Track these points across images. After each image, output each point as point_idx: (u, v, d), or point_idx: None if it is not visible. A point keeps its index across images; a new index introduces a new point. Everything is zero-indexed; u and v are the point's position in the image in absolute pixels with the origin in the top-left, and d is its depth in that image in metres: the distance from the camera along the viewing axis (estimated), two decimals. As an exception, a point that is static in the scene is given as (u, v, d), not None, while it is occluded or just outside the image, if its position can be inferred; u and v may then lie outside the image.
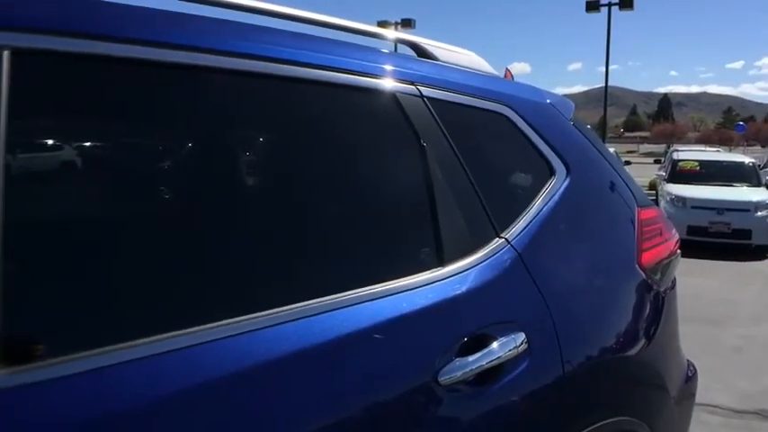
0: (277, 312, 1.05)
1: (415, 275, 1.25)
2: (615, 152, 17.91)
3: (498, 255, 1.38)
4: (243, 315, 1.01)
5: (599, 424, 1.47)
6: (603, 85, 27.29)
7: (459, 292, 1.27)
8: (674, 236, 2.01)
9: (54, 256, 0.92)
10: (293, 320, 1.05)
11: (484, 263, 1.34)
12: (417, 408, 1.16)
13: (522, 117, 1.64)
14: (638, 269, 1.73)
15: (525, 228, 1.47)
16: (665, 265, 1.89)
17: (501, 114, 1.61)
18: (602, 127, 32.94)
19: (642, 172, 18.88)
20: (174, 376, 0.91)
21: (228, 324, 0.99)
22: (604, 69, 26.32)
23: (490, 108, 1.59)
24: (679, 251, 2.00)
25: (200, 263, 1.07)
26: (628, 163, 18.67)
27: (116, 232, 1.01)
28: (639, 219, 1.83)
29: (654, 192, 13.41)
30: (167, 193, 1.16)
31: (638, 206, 1.86)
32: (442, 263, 1.29)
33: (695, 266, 8.28)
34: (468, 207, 1.38)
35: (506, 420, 1.28)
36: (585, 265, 1.60)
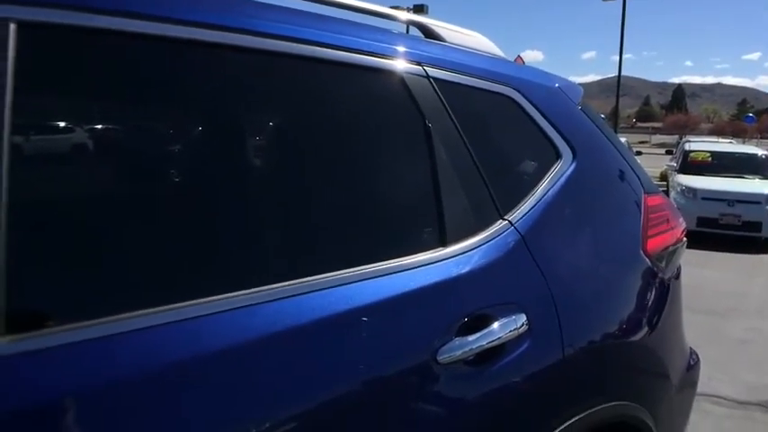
0: (277, 288, 1.06)
1: (418, 255, 1.25)
2: (627, 142, 17.79)
3: (501, 237, 1.38)
4: (244, 289, 1.02)
5: (599, 407, 1.48)
6: (617, 74, 27.03)
7: (460, 272, 1.27)
8: (681, 224, 2.00)
9: (55, 232, 0.93)
10: (293, 296, 1.06)
11: (486, 244, 1.34)
12: (416, 386, 1.16)
13: (528, 100, 1.64)
14: (643, 256, 1.73)
15: (529, 210, 1.47)
16: (670, 253, 1.88)
17: (508, 97, 1.60)
18: (614, 117, 32.73)
19: (653, 162, 18.78)
20: (172, 348, 0.92)
21: (230, 298, 1.00)
22: (618, 59, 26.08)
23: (497, 90, 1.58)
24: (685, 239, 2.00)
25: (205, 239, 1.08)
26: (639, 153, 18.58)
27: (117, 208, 1.02)
28: (646, 205, 1.83)
29: (665, 183, 13.33)
30: (171, 170, 1.16)
31: (644, 193, 1.86)
32: (444, 243, 1.30)
33: (704, 258, 8.25)
34: (472, 189, 1.38)
35: (505, 401, 1.29)
36: (590, 250, 1.60)
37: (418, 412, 1.16)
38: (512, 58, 2.01)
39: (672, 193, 10.64)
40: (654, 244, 1.77)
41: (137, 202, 1.04)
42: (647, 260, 1.74)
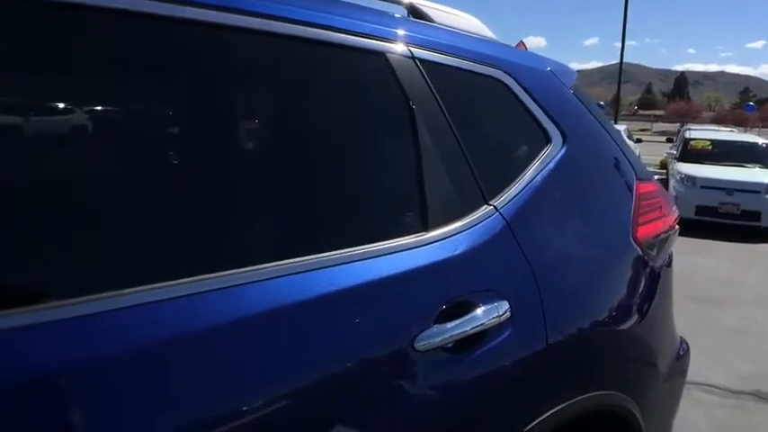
0: (256, 270, 1.03)
1: (398, 239, 1.22)
2: (627, 129, 17.72)
3: (485, 222, 1.35)
4: (221, 271, 1.00)
5: (583, 396, 1.46)
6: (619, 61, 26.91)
7: (441, 257, 1.24)
8: (674, 212, 1.97)
9: (48, 206, 0.91)
10: (271, 279, 1.04)
11: (470, 229, 1.31)
12: (392, 373, 1.14)
13: (519, 83, 1.60)
14: (633, 243, 1.70)
15: (516, 196, 1.44)
16: (662, 241, 1.86)
17: (497, 80, 1.57)
18: (615, 104, 32.63)
19: (654, 150, 18.74)
20: (156, 326, 0.91)
21: (206, 279, 0.98)
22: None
23: (486, 73, 1.54)
24: (677, 227, 1.97)
25: (182, 220, 1.05)
26: (639, 141, 18.49)
27: (108, 185, 1.00)
28: (638, 192, 1.80)
29: (665, 171, 13.28)
30: (154, 148, 1.13)
31: (637, 179, 1.83)
32: (425, 228, 1.27)
33: (702, 246, 8.24)
34: (457, 173, 1.35)
35: (485, 389, 1.26)
36: (578, 237, 1.56)
37: (393, 400, 1.13)
38: (514, 44, 1.97)
39: (671, 182, 10.60)
40: (644, 231, 1.75)
41: (120, 181, 1.02)
42: (638, 248, 1.71)
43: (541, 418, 1.35)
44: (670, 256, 1.96)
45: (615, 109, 31.11)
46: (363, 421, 1.10)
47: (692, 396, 3.67)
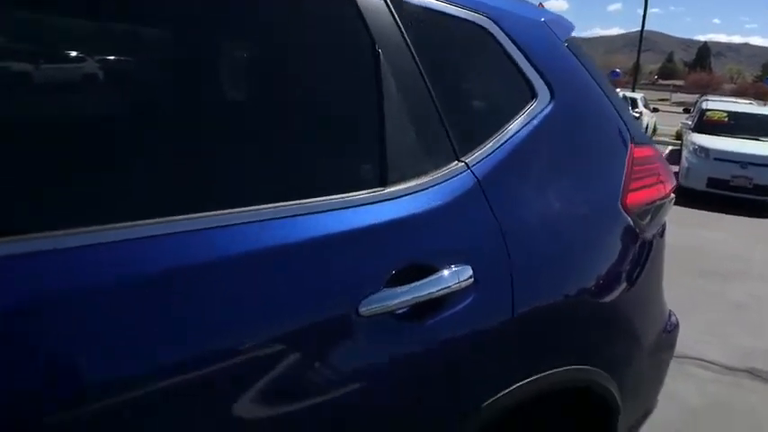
0: (190, 219, 0.94)
1: (351, 193, 1.11)
2: (644, 98, 17.35)
3: (453, 180, 1.24)
4: (147, 219, 0.91)
5: (551, 371, 1.36)
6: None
7: (398, 215, 1.13)
8: (670, 179, 1.85)
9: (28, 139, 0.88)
10: (203, 229, 0.94)
11: (434, 187, 1.20)
12: (328, 338, 1.04)
13: (506, 33, 1.47)
14: (622, 210, 1.59)
15: (491, 153, 1.32)
16: (656, 209, 1.74)
17: (481, 27, 1.43)
18: (634, 71, 32.00)
19: (670, 121, 18.38)
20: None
21: (136, 226, 0.90)
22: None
23: (469, 18, 1.41)
24: (673, 195, 1.85)
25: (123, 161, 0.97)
26: (656, 110, 18.12)
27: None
28: (631, 156, 1.68)
29: (680, 141, 13.01)
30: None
31: (632, 143, 1.70)
32: (384, 183, 1.16)
33: (711, 219, 8.09)
34: (425, 124, 1.23)
35: (439, 360, 1.17)
36: (559, 201, 1.44)
37: (332, 366, 1.04)
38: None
39: (684, 152, 10.37)
40: (635, 198, 1.63)
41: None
42: (626, 215, 1.60)
43: (500, 395, 1.25)
44: (663, 226, 1.84)
45: (634, 77, 30.49)
46: (291, 391, 1.00)
47: (685, 370, 3.60)
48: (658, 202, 1.75)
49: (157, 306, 0.89)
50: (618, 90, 14.95)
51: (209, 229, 0.94)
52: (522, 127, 1.41)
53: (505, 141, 1.36)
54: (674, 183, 1.90)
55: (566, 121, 1.53)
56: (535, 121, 1.43)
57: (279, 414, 0.99)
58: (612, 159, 1.64)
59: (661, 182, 1.78)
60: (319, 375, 1.02)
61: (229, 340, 0.93)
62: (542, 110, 1.46)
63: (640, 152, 1.72)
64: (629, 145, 1.70)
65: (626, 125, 1.72)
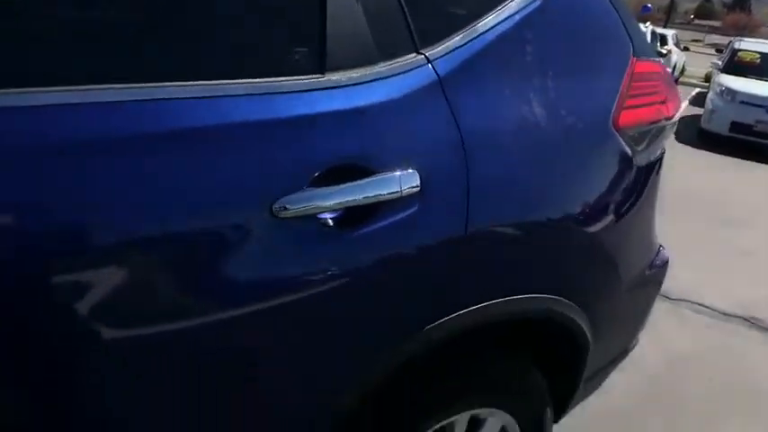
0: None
1: (280, 78, 0.94)
2: (675, 35, 16.59)
3: (408, 74, 1.06)
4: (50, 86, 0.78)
5: (510, 298, 1.22)
6: (680, -39, 25.03)
7: (333, 107, 0.96)
8: (674, 100, 1.65)
9: None
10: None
11: (383, 80, 1.03)
12: (236, 236, 0.89)
13: None
14: (613, 129, 1.41)
15: (460, 47, 1.14)
16: (654, 133, 1.56)
17: None
18: (668, 9, 30.73)
19: (701, 63, 17.63)
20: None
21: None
22: (684, -57, 24.01)
23: None
24: (675, 119, 1.66)
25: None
26: (686, 49, 17.41)
27: None
28: (631, 70, 1.48)
29: (708, 83, 12.48)
30: None
31: (633, 55, 1.51)
32: (322, 70, 0.98)
33: (729, 164, 7.84)
34: (378, 8, 1.05)
35: (370, 277, 1.02)
36: (536, 111, 1.26)
37: (235, 273, 0.89)
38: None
39: (709, 94, 9.93)
40: (629, 117, 1.44)
41: None
42: (618, 136, 1.42)
43: (444, 320, 1.12)
44: (661, 155, 1.66)
45: (667, 14, 29.27)
46: (190, 295, 0.88)
47: (681, 313, 3.48)
48: (657, 126, 1.57)
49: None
50: (648, 24, 14.30)
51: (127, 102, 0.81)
52: (500, 22, 1.22)
53: (477, 36, 1.17)
54: (679, 105, 1.70)
55: (555, 21, 1.33)
56: (516, 17, 1.24)
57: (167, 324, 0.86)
58: (608, 71, 1.45)
59: (662, 101, 1.59)
60: (220, 284, 0.88)
61: (121, 221, 0.81)
62: (527, 5, 1.27)
63: (643, 67, 1.52)
64: (631, 58, 1.50)
65: (629, 35, 1.52)
